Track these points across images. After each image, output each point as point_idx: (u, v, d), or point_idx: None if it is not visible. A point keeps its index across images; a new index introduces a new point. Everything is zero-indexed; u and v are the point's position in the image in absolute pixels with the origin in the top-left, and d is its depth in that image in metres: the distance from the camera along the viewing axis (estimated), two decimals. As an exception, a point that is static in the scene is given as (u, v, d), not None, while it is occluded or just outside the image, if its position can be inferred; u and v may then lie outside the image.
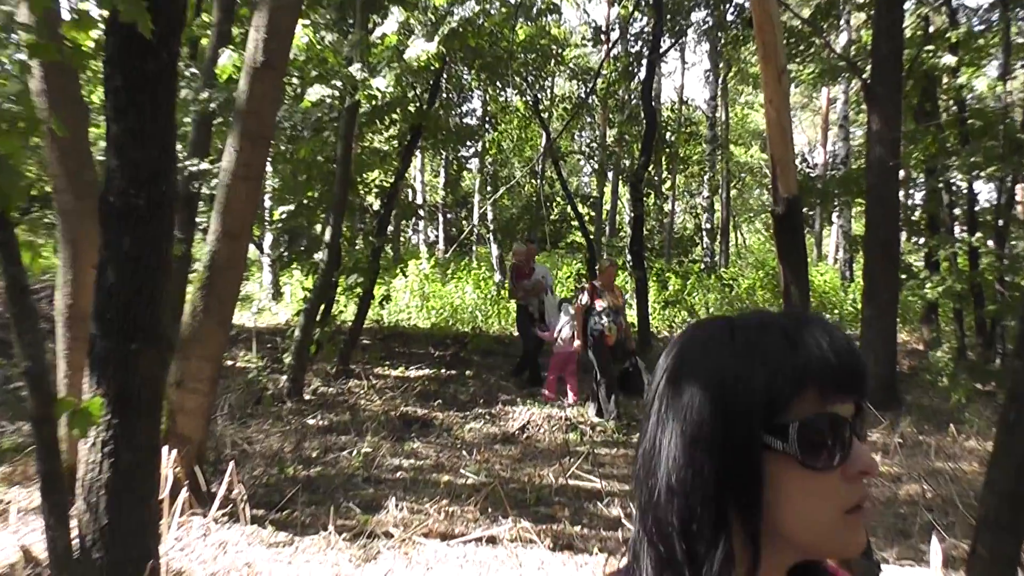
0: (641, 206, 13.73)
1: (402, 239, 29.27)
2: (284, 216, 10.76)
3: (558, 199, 19.83)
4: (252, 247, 19.51)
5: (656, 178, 22.40)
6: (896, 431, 7.78)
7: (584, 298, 8.60)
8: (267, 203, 13.98)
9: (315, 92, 8.46)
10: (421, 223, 25.43)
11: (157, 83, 2.90)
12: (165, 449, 4.50)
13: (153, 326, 3.02)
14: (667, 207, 25.95)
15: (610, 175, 21.43)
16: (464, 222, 26.82)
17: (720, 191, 23.71)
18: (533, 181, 20.79)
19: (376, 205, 15.09)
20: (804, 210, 26.57)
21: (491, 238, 20.57)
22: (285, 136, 10.20)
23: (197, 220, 11.75)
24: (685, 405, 0.83)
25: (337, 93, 8.57)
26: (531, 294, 10.01)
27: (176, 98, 3.14)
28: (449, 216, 25.47)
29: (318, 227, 11.80)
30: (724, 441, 0.80)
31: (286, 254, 12.48)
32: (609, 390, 8.40)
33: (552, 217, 20.56)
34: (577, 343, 8.74)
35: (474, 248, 27.15)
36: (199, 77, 9.75)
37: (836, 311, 17.20)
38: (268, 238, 16.83)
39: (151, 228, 2.96)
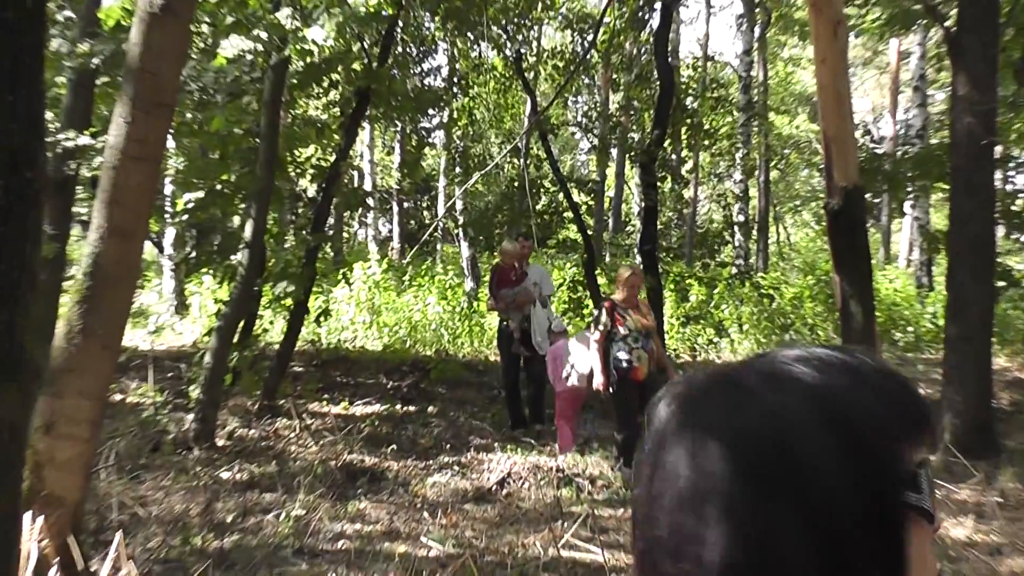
0: (654, 193, 13.76)
1: (346, 236, 29.25)
2: (191, 206, 10.68)
3: (547, 184, 19.85)
4: (148, 246, 19.44)
5: (674, 157, 22.49)
6: (993, 486, 7.73)
7: (602, 320, 8.37)
8: (168, 189, 13.89)
9: (232, 45, 8.39)
10: (370, 215, 25.45)
11: (17, 34, 2.84)
12: (28, 515, 4.42)
13: (12, 354, 2.95)
14: (688, 194, 26.06)
15: (614, 153, 21.54)
16: (426, 214, 26.82)
17: (757, 173, 23.86)
18: (515, 161, 20.80)
19: (312, 191, 15.04)
20: (867, 199, 26.81)
21: (460, 234, 20.59)
22: (192, 102, 10.13)
23: (75, 211, 11.64)
24: (805, 475, 0.80)
25: (260, 47, 8.50)
26: (513, 306, 9.97)
27: (45, 52, 3.09)
28: (407, 206, 25.51)
29: (236, 220, 11.73)
30: (871, 507, 0.80)
31: (194, 255, 12.39)
32: (630, 442, 8.09)
33: (539, 208, 20.58)
34: (599, 382, 8.37)
35: (439, 247, 27.19)
36: (76, 23, 9.65)
37: (910, 329, 17.30)
38: (170, 235, 16.74)
39: (11, 227, 2.89)
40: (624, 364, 8.17)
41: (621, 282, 8.62)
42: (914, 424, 0.85)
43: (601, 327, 8.34)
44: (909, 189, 14.64)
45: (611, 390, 8.32)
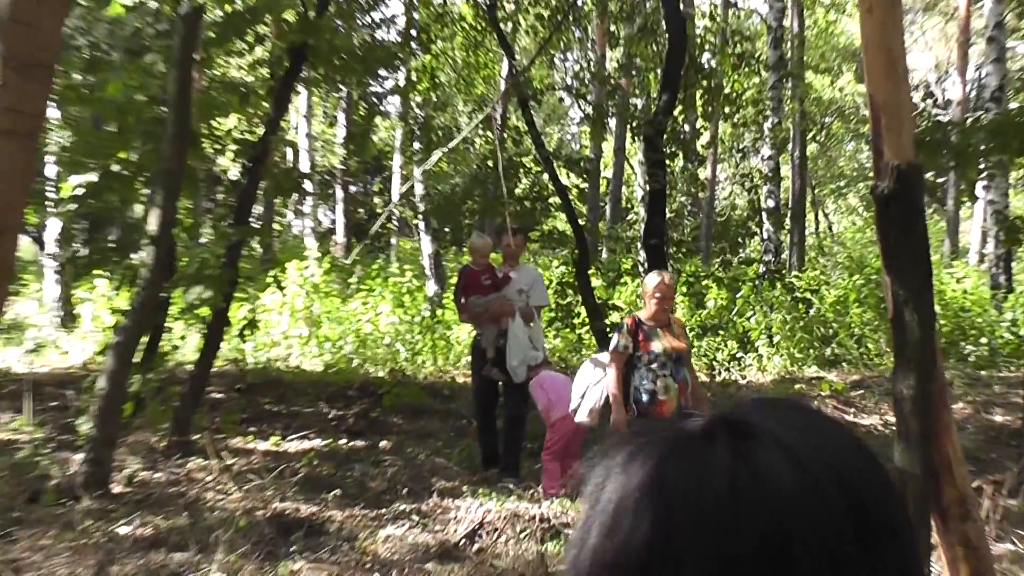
0: (662, 173, 13.76)
1: (277, 228, 29.21)
2: (81, 192, 10.63)
3: (528, 163, 19.85)
4: (25, 242, 19.34)
5: (686, 128, 22.50)
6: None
7: (621, 342, 8.33)
8: (52, 171, 13.82)
9: (130, -11, 8.37)
10: (308, 202, 25.41)
11: None
12: None
13: None
14: (705, 174, 26.15)
15: (612, 124, 21.56)
16: (378, 200, 26.80)
17: (791, 148, 23.98)
18: (488, 135, 20.79)
19: (234, 173, 15.00)
20: (928, 180, 26.68)
21: (421, 226, 20.59)
22: (81, 62, 10.08)
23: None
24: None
25: (166, -9, 8.49)
26: (485, 316, 9.85)
27: None
28: (353, 190, 25.51)
29: (138, 209, 11.69)
30: None
31: (84, 254, 12.34)
32: None
33: (519, 192, 20.57)
34: (616, 417, 8.31)
35: (394, 242, 27.18)
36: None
37: (983, 341, 17.39)
38: (53, 228, 16.65)
39: None
40: (646, 396, 8.18)
41: (648, 293, 8.35)
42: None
43: (620, 349, 8.30)
44: (982, 166, 14.60)
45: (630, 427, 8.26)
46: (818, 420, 1.02)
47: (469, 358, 11.07)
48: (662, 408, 8.09)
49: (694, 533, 0.90)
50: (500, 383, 9.97)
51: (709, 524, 0.90)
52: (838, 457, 0.96)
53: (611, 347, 8.44)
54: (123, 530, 7.93)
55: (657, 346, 8.15)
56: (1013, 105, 17.80)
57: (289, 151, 23.67)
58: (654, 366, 8.15)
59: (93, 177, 10.49)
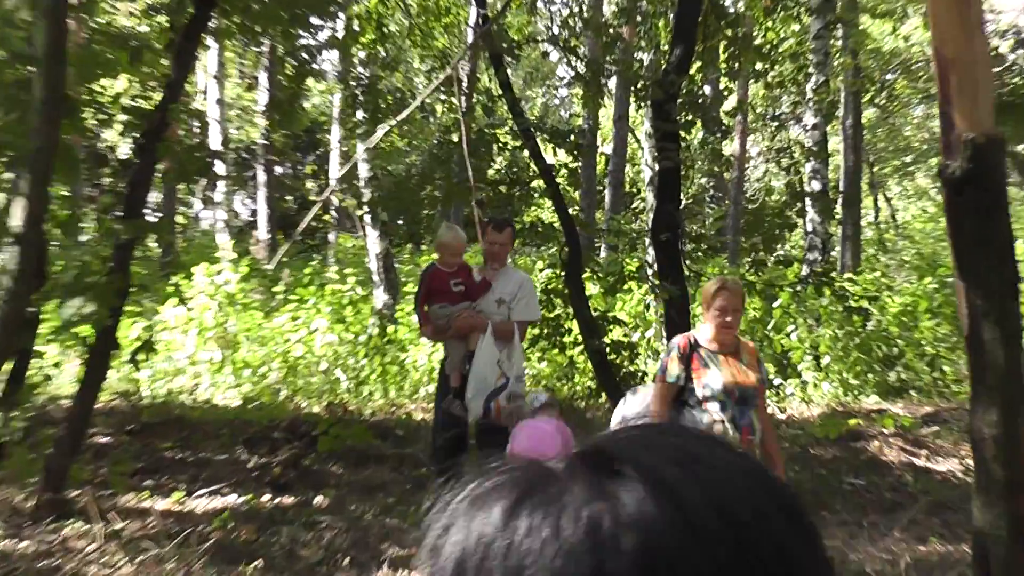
0: (676, 148, 13.78)
1: (181, 222, 29.15)
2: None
3: (503, 137, 19.84)
4: None
5: (707, 90, 22.54)
6: None
7: (670, 366, 7.85)
8: None
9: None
10: (220, 188, 25.37)
11: None
12: None
13: None
14: (731, 149, 26.18)
15: (612, 86, 21.59)
16: (311, 185, 26.87)
17: (842, 114, 24.02)
18: (452, 101, 20.76)
19: (124, 151, 14.97)
20: (1013, 154, 26.73)
21: (367, 218, 20.58)
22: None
23: None
24: None
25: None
26: (451, 332, 9.62)
27: None
28: (281, 173, 25.54)
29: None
30: None
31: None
32: None
33: (492, 173, 20.54)
34: None
35: (332, 239, 27.13)
36: None
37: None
38: None
39: None
40: None
41: (707, 305, 7.80)
42: None
43: (667, 378, 7.79)
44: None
45: None
46: (706, 450, 1.03)
47: (432, 387, 11.05)
48: None
49: None
50: (470, 422, 9.70)
51: None
52: (723, 490, 0.97)
53: (657, 374, 8.03)
54: (-21, 617, 7.91)
55: (715, 379, 7.61)
56: None
57: (195, 123, 23.63)
58: (710, 406, 7.59)
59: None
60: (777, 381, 17.29)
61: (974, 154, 3.64)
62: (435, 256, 10.40)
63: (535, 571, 0.90)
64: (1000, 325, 3.65)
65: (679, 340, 7.88)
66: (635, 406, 8.00)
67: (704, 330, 7.88)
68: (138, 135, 11.94)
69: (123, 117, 12.69)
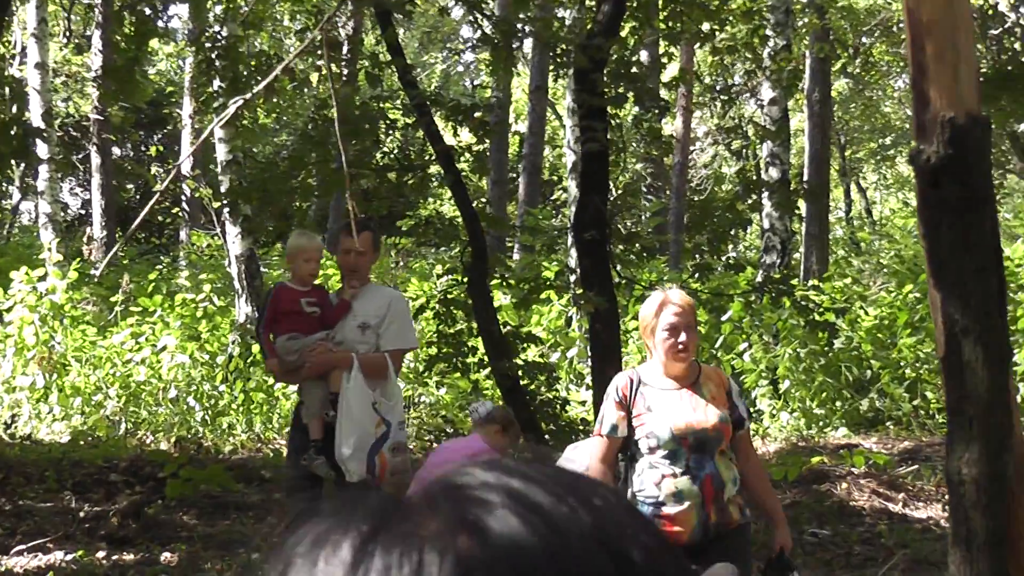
0: (604, 127, 13.86)
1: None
2: None
3: (393, 113, 19.86)
4: None
5: (644, 56, 22.66)
6: None
7: (607, 416, 7.36)
8: None
9: None
10: (43, 173, 25.23)
11: None
12: None
13: None
14: (673, 128, 26.34)
15: (527, 51, 21.70)
16: (157, 170, 26.90)
17: (806, 85, 24.23)
18: (330, 68, 20.74)
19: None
20: (1014, 125, 26.92)
21: (225, 212, 20.55)
22: None
23: None
24: None
25: None
26: (304, 371, 8.61)
27: None
28: (119, 154, 25.48)
29: None
30: None
31: None
32: None
33: (382, 157, 20.54)
34: None
35: (184, 236, 27.04)
36: None
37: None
38: None
39: None
40: (648, 508, 7.05)
41: (646, 329, 7.26)
42: None
43: (605, 432, 7.32)
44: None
45: None
46: (573, 478, 1.05)
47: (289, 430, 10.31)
48: (672, 526, 6.96)
49: None
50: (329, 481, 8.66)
51: None
52: (606, 523, 0.99)
53: (595, 426, 7.65)
54: None
55: (661, 424, 7.04)
56: None
57: (8, 91, 23.51)
58: (658, 458, 7.09)
59: None
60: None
61: (953, 137, 3.70)
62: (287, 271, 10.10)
63: None
64: (983, 344, 3.71)
65: (620, 381, 7.28)
66: (576, 464, 7.29)
67: (652, 363, 7.36)
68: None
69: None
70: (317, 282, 8.90)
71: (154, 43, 24.84)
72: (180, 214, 24.31)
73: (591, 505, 1.00)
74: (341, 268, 9.05)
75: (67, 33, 28.27)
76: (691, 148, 27.58)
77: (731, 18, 20.26)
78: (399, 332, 8.50)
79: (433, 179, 18.68)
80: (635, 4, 15.40)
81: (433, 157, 15.91)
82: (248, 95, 17.11)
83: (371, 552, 0.95)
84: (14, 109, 18.70)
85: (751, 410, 17.43)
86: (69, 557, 10.90)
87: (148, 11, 21.56)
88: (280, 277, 21.27)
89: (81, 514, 12.29)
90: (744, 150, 24.60)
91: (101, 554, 11.07)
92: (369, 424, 7.83)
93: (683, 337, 6.78)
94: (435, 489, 1.02)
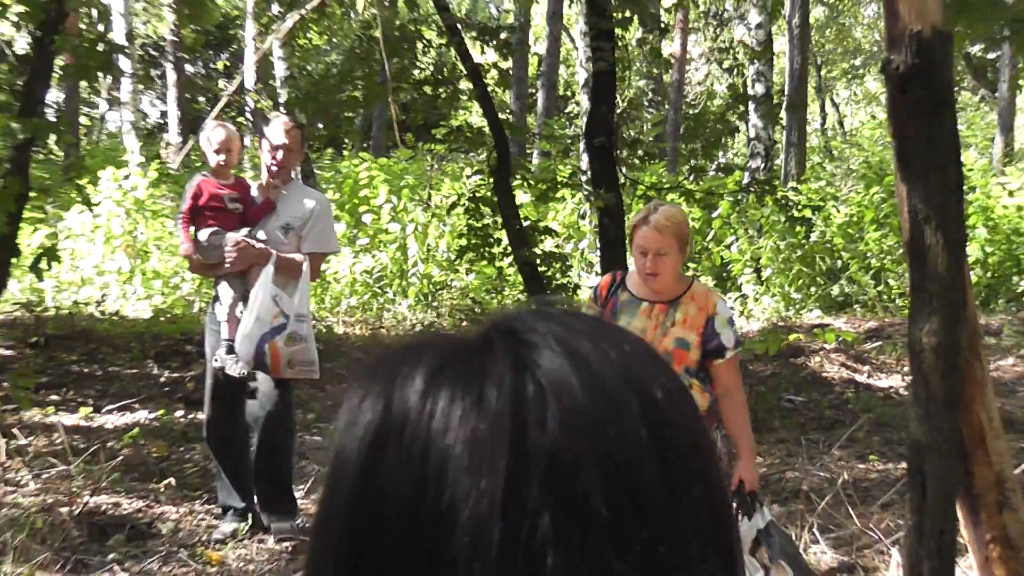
0: (611, 48, 13.79)
1: (85, 123, 28.87)
2: None
3: (429, 34, 19.76)
4: None
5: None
6: None
7: (585, 307, 6.91)
8: None
9: None
10: (126, 86, 25.15)
11: None
12: None
13: None
14: (671, 49, 26.20)
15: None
16: (224, 84, 26.73)
17: (787, 11, 24.07)
18: (374, -7, 20.69)
19: (21, 45, 14.83)
20: (978, 50, 26.79)
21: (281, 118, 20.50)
22: None
23: None
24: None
25: None
26: (226, 267, 7.61)
27: None
28: (191, 71, 25.35)
29: None
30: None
31: None
32: None
33: (419, 73, 20.45)
34: None
35: (248, 143, 26.95)
36: None
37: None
38: None
39: None
40: None
41: (629, 237, 6.45)
42: None
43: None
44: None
45: None
46: (606, 327, 1.08)
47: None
48: None
49: (475, 463, 0.94)
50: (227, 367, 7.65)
51: (488, 449, 0.94)
52: (633, 366, 1.02)
53: None
54: None
55: (664, 327, 6.30)
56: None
57: (96, 14, 23.36)
58: None
59: None
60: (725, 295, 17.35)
61: (920, 49, 3.68)
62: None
63: (459, 438, 0.95)
64: (943, 230, 3.70)
65: (604, 279, 6.73)
66: None
67: (629, 269, 6.62)
68: (34, 27, 11.83)
69: (18, 8, 12.58)
70: (240, 175, 7.89)
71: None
72: (243, 122, 24.14)
73: (621, 350, 1.03)
74: (268, 164, 7.65)
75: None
76: (687, 67, 27.37)
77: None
78: (321, 235, 7.70)
79: (463, 93, 18.58)
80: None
81: (463, 73, 15.79)
82: (301, 12, 17.00)
83: (439, 384, 0.98)
84: (101, 28, 18.62)
85: (732, 294, 17.47)
86: (151, 416, 10.93)
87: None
88: (331, 179, 21.22)
89: (161, 379, 12.31)
90: (734, 68, 24.42)
91: (179, 413, 11.10)
92: (266, 315, 7.08)
93: (651, 263, 5.89)
94: (492, 331, 1.03)
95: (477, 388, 0.96)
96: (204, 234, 7.34)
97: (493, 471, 0.93)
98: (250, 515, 7.78)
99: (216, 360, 7.44)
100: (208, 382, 7.86)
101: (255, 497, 8.01)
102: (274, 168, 7.49)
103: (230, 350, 7.33)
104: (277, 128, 7.57)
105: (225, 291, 7.42)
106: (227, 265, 7.27)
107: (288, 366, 7.08)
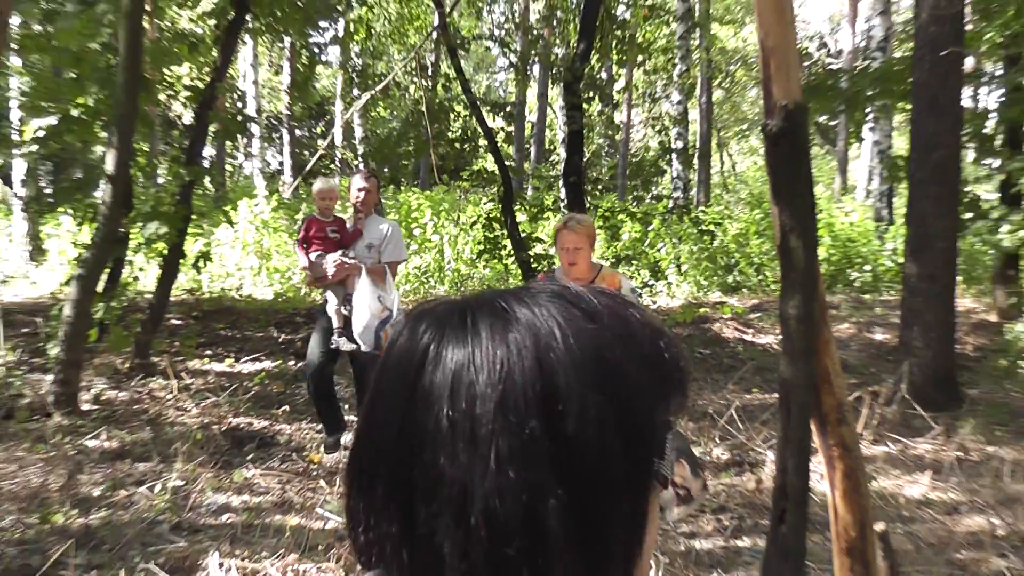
0: (580, 117, 13.79)
1: (229, 168, 28.87)
2: (42, 134, 10.47)
3: (458, 108, 19.75)
4: (-4, 182, 19.04)
5: (603, 75, 22.52)
6: (953, 440, 8.00)
7: None
8: (16, 114, 13.58)
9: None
10: (255, 144, 25.15)
11: None
12: None
13: None
14: (620, 118, 26.17)
15: (536, 71, 21.50)
16: (320, 142, 26.63)
17: (698, 93, 24.02)
18: (420, 81, 20.69)
19: (187, 117, 14.82)
20: (826, 119, 27.17)
21: (359, 165, 20.46)
22: (39, 12, 9.89)
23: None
24: (568, 437, 0.86)
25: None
26: (324, 278, 7.56)
27: None
28: (299, 134, 25.27)
29: (97, 150, 11.54)
30: (626, 475, 0.87)
31: (49, 192, 12.16)
32: None
33: (451, 134, 20.50)
34: None
35: (337, 179, 26.96)
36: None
37: (867, 268, 17.66)
38: (20, 168, 16.40)
39: None
40: None
41: (555, 240, 6.20)
42: (673, 389, 0.92)
43: None
44: (868, 109, 14.66)
45: None
46: (606, 294, 0.98)
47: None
48: None
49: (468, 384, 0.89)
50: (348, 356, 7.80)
51: (476, 377, 0.89)
52: (591, 339, 0.91)
53: None
54: (91, 443, 7.92)
55: None
56: (897, 55, 17.92)
57: (237, 97, 23.33)
58: None
59: (53, 120, 10.35)
60: (651, 282, 17.35)
61: (786, 116, 3.70)
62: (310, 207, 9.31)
63: (512, 370, 0.88)
64: (802, 238, 3.73)
65: (538, 277, 6.90)
66: None
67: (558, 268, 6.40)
68: (195, 106, 11.85)
69: (185, 93, 12.58)
70: (338, 213, 7.74)
71: (319, 68, 24.57)
72: (334, 168, 24.08)
73: (591, 347, 0.90)
74: (353, 205, 7.70)
75: (269, 62, 28.01)
76: (631, 129, 27.28)
77: (655, 53, 20.06)
78: (395, 249, 7.67)
79: (480, 147, 18.56)
80: (599, 44, 15.23)
81: (481, 134, 15.78)
82: (371, 92, 16.89)
83: (476, 320, 0.93)
84: (239, 105, 18.61)
85: (662, 281, 17.44)
86: (272, 364, 10.93)
87: (315, 49, 21.31)
88: (391, 206, 21.17)
89: (279, 340, 12.31)
90: (662, 130, 24.34)
91: (291, 363, 11.10)
92: (375, 310, 7.13)
93: (571, 256, 5.84)
94: (515, 290, 0.98)
95: (501, 325, 0.91)
96: (313, 255, 7.44)
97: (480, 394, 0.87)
98: (341, 437, 7.72)
99: (332, 343, 7.42)
100: (314, 353, 7.63)
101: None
102: (359, 205, 7.55)
103: (341, 334, 7.39)
104: (359, 178, 7.63)
105: (331, 296, 7.46)
106: (329, 276, 7.33)
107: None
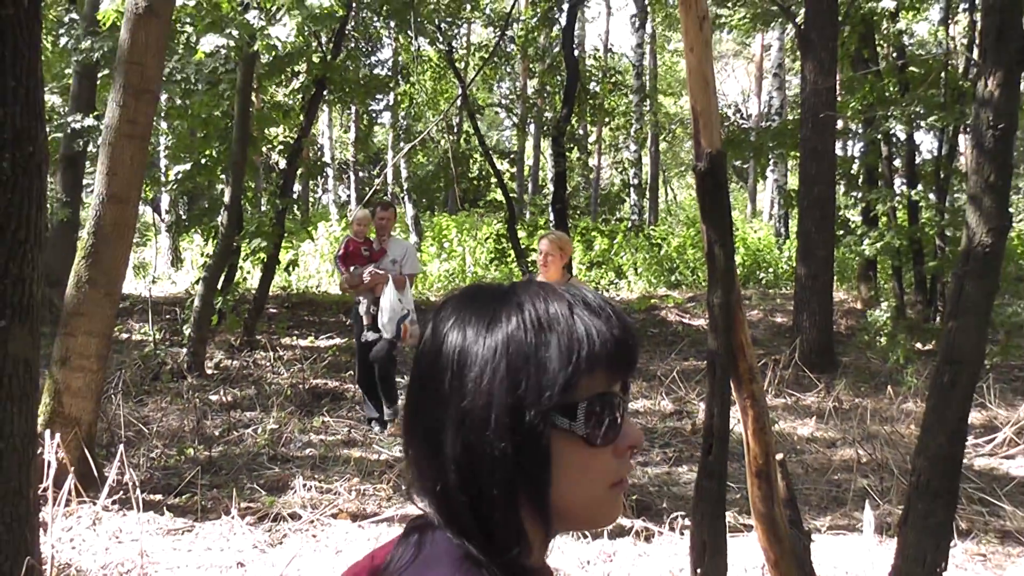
0: (564, 161, 13.81)
1: (311, 199, 28.80)
2: (180, 176, 10.47)
3: (476, 155, 19.68)
4: (148, 210, 19.03)
5: (580, 131, 22.46)
6: (831, 395, 8.02)
7: None
8: (163, 162, 13.60)
9: (208, 42, 8.18)
10: (330, 182, 25.08)
11: (15, 29, 2.75)
12: (48, 433, 4.36)
13: (24, 301, 2.90)
14: (592, 162, 26.10)
15: (531, 129, 21.40)
16: (377, 181, 26.60)
17: (648, 144, 23.92)
18: (449, 136, 20.67)
19: (281, 164, 14.81)
20: (740, 163, 27.31)
21: (405, 197, 20.40)
22: (179, 90, 9.90)
23: (84, 182, 11.38)
24: (473, 385, 0.83)
25: (233, 43, 8.29)
26: (360, 286, 7.26)
27: (42, 46, 3.00)
28: (361, 174, 25.15)
29: (219, 187, 11.54)
30: (517, 423, 0.82)
31: (184, 217, 12.15)
32: None
33: (471, 174, 20.42)
34: None
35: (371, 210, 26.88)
36: (79, 24, 9.38)
37: (770, 270, 17.60)
38: (165, 200, 16.40)
39: (17, 194, 2.82)
40: None
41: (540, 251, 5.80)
42: (586, 363, 0.83)
43: None
44: (770, 156, 14.98)
45: None
46: (494, 303, 0.88)
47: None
48: None
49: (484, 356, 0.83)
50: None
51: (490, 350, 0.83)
52: (496, 327, 0.84)
53: None
54: (213, 397, 7.92)
55: None
56: (789, 117, 17.99)
57: (317, 148, 23.24)
58: None
59: (188, 167, 10.36)
60: (616, 281, 17.23)
61: (710, 159, 3.65)
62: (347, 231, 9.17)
63: (468, 338, 0.85)
64: (723, 247, 3.69)
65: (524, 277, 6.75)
66: None
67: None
68: (287, 155, 11.83)
69: (280, 146, 12.55)
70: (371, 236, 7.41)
71: (375, 127, 24.52)
72: (385, 198, 23.99)
73: (492, 320, 0.83)
74: (376, 228, 7.48)
75: (340, 123, 27.94)
76: (600, 170, 27.23)
77: (617, 115, 20.01)
78: (412, 263, 7.44)
79: (492, 183, 18.49)
80: (577, 109, 15.19)
81: (492, 173, 15.71)
82: (411, 144, 16.82)
83: (438, 326, 0.88)
84: (319, 153, 18.58)
85: (623, 280, 17.36)
86: (342, 341, 10.85)
87: (373, 113, 21.25)
88: (427, 226, 21.07)
89: (346, 323, 12.20)
90: (623, 171, 24.24)
91: (355, 340, 11.09)
92: (397, 309, 6.96)
93: (544, 262, 5.55)
94: (517, 284, 0.90)
95: (491, 314, 0.85)
96: (352, 269, 7.21)
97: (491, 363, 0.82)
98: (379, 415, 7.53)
99: (363, 337, 7.23)
100: (358, 349, 7.44)
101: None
102: (383, 230, 7.37)
103: (370, 329, 7.19)
104: (380, 209, 7.49)
105: (362, 301, 7.24)
106: (364, 284, 7.09)
107: (410, 336, 6.95)
